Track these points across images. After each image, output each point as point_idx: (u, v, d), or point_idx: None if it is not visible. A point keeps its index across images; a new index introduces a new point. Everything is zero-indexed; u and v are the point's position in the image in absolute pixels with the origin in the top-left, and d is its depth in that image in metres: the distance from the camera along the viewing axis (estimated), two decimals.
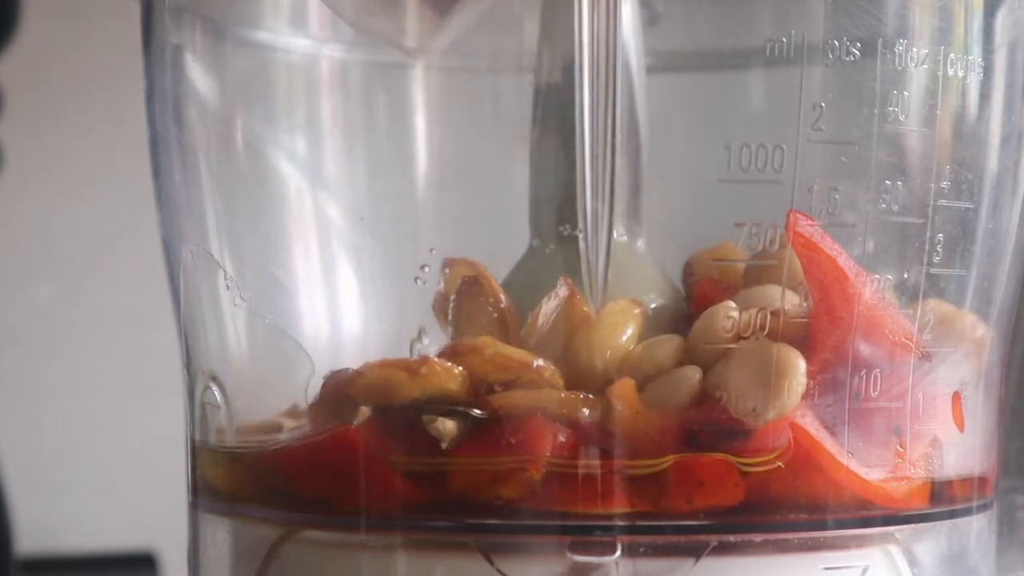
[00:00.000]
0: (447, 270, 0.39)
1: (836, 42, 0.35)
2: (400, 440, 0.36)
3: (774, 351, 0.35)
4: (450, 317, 0.38)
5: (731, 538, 0.35)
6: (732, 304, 0.35)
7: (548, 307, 0.37)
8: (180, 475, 0.42)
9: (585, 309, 0.36)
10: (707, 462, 0.34)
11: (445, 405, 0.35)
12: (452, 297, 0.38)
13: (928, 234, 0.37)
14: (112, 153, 0.86)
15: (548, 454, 0.35)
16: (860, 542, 0.36)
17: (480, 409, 0.35)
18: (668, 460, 0.34)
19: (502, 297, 0.37)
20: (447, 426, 0.35)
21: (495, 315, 0.37)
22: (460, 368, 0.35)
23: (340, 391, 0.37)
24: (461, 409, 0.35)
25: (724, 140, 0.35)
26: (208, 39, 0.42)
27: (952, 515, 0.38)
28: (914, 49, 0.36)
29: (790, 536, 0.35)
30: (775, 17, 0.37)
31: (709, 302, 0.36)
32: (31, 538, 0.81)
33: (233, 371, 0.40)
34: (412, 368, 0.35)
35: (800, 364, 0.35)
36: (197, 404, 0.40)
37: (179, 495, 0.42)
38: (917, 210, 0.37)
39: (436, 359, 0.35)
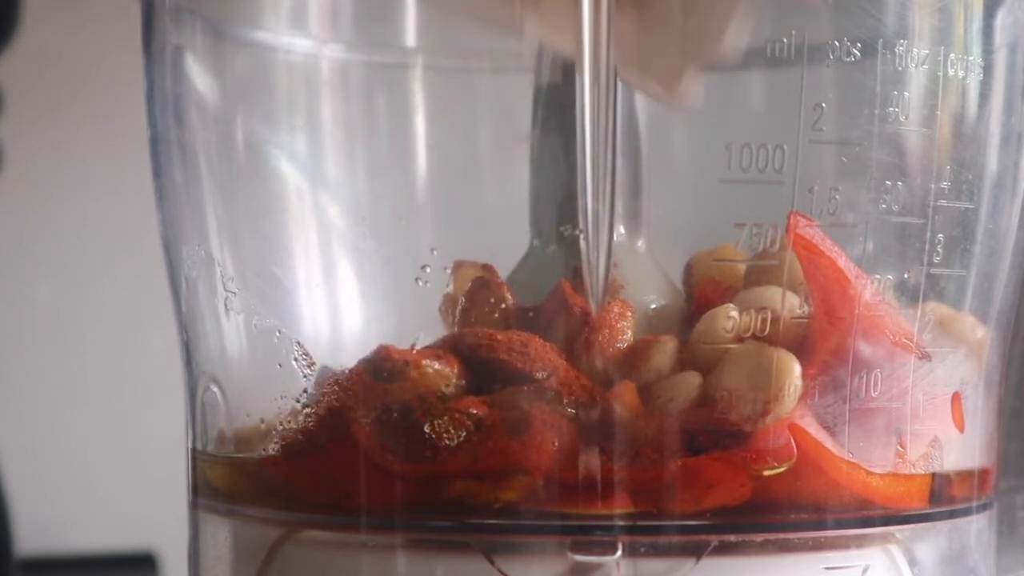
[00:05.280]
0: (448, 271, 0.39)
1: (837, 43, 0.35)
2: (399, 441, 0.36)
3: (768, 354, 0.35)
4: (457, 319, 0.38)
5: (732, 538, 0.35)
6: (733, 306, 0.35)
7: (549, 308, 0.37)
8: (180, 475, 0.42)
9: (585, 310, 0.36)
10: (717, 465, 0.35)
11: (442, 405, 0.35)
12: (461, 299, 0.38)
13: (928, 234, 0.37)
14: (112, 153, 0.86)
15: (548, 456, 0.35)
16: (860, 542, 0.36)
17: (480, 409, 0.35)
18: (677, 463, 0.34)
19: (508, 298, 0.37)
20: (444, 427, 0.35)
21: (499, 317, 0.37)
22: (454, 368, 0.35)
23: (338, 392, 0.37)
24: (460, 410, 0.35)
25: (724, 140, 0.35)
26: (208, 39, 0.42)
27: (952, 515, 0.38)
28: (914, 50, 0.36)
29: (791, 536, 0.35)
30: (776, 17, 0.37)
31: (709, 303, 0.36)
32: (31, 538, 0.81)
33: (233, 371, 0.40)
34: (403, 373, 0.35)
35: (795, 367, 0.35)
36: (198, 404, 0.40)
37: (179, 495, 0.42)
38: (917, 210, 0.37)
39: (427, 361, 0.35)
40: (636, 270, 0.40)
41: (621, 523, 0.35)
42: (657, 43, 0.36)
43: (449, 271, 0.39)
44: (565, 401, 0.35)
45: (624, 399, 0.35)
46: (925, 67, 0.36)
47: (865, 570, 0.36)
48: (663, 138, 0.40)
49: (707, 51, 0.36)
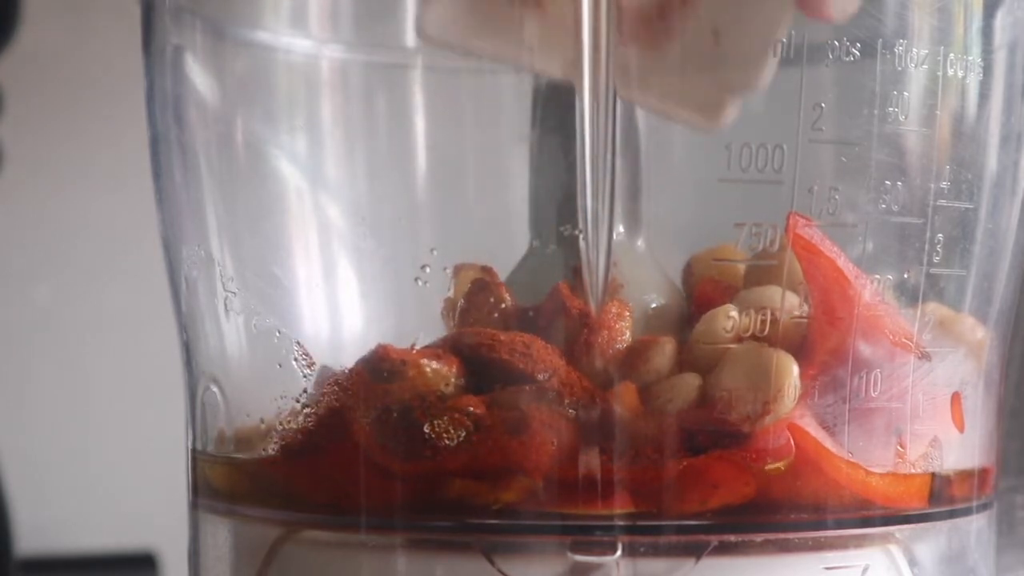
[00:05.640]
0: (448, 271, 0.39)
1: (836, 42, 0.35)
2: (399, 441, 0.36)
3: (767, 354, 0.35)
4: (456, 320, 0.38)
5: (732, 538, 0.35)
6: (733, 306, 0.35)
7: (547, 309, 0.37)
8: (180, 475, 0.42)
9: (585, 310, 0.36)
10: (721, 464, 0.35)
11: (441, 405, 0.35)
12: (460, 301, 0.38)
13: (928, 234, 0.37)
14: (112, 153, 0.86)
15: (548, 456, 0.35)
16: (860, 542, 0.36)
17: (479, 409, 0.35)
18: (680, 463, 0.34)
19: (507, 299, 0.37)
20: (444, 427, 0.35)
21: (498, 318, 0.37)
22: (453, 368, 0.35)
23: (338, 392, 0.37)
24: (459, 409, 0.35)
25: (724, 140, 0.35)
26: (208, 39, 0.42)
27: (952, 515, 0.38)
28: (914, 50, 0.36)
29: (791, 536, 0.35)
30: None
31: (709, 302, 0.36)
32: (31, 538, 0.81)
33: (233, 372, 0.40)
34: (401, 372, 0.35)
35: (794, 368, 0.35)
36: (198, 404, 0.40)
37: (179, 495, 0.42)
38: (917, 210, 0.37)
39: (425, 360, 0.35)
40: (636, 270, 0.40)
41: (621, 523, 0.35)
42: (696, 76, 0.36)
43: (449, 271, 0.39)
44: (566, 402, 0.35)
45: (624, 400, 0.35)
46: (925, 67, 0.36)
47: (865, 570, 0.36)
48: (662, 138, 0.40)
49: (748, 80, 0.36)
